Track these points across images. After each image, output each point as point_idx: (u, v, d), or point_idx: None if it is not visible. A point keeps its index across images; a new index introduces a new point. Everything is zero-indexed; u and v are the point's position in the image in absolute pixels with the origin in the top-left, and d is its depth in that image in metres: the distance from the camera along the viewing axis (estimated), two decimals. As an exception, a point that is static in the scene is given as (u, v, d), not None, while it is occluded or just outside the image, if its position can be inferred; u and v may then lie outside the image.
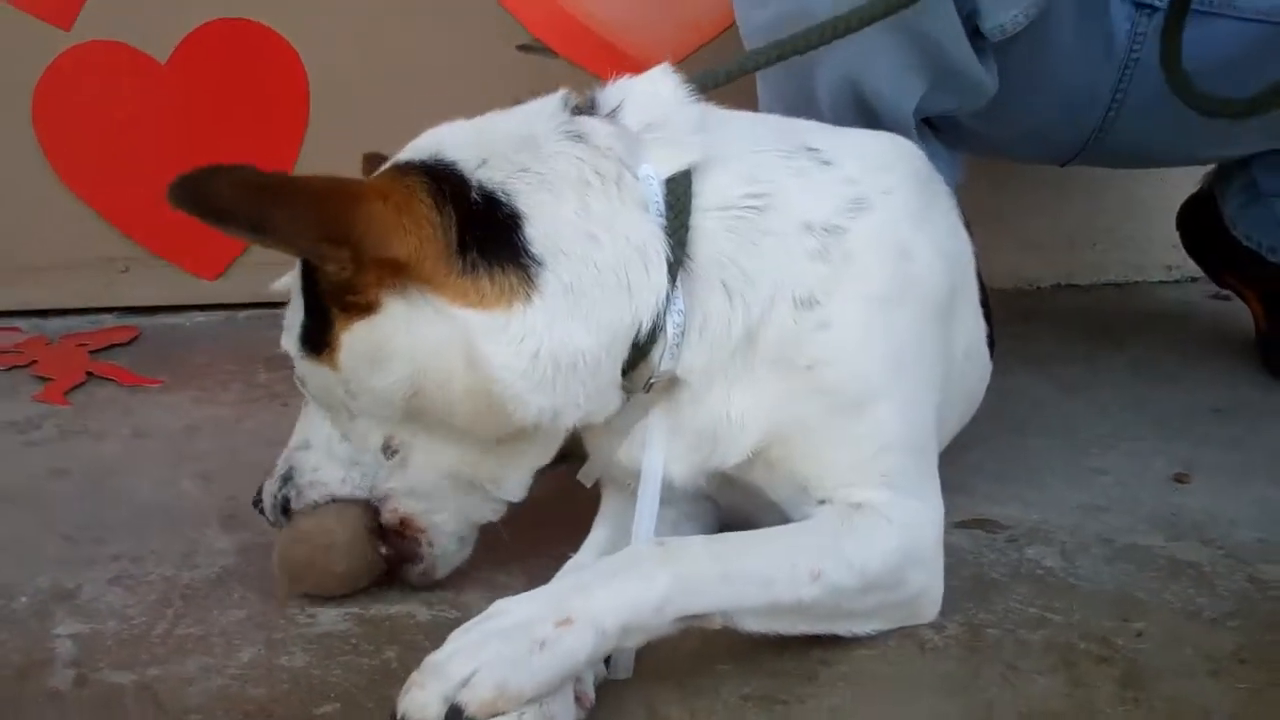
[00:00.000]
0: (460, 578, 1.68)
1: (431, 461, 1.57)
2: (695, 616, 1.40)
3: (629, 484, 1.60)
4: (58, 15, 2.86)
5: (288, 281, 2.45)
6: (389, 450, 1.57)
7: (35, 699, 1.47)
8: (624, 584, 1.37)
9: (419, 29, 2.91)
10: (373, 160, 1.76)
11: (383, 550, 1.62)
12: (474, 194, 1.49)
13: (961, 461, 1.80)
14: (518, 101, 1.63)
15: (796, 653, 1.50)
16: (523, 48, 2.86)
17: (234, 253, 2.97)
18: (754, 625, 1.45)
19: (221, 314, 2.98)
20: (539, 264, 1.47)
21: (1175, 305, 3.00)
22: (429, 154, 1.54)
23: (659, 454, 1.54)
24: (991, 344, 1.89)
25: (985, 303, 1.86)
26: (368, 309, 1.49)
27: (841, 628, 1.51)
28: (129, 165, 2.92)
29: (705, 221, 1.53)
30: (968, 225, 1.83)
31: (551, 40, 2.80)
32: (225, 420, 2.34)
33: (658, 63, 1.63)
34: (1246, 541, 1.79)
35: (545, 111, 1.58)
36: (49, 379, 2.53)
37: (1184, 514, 1.88)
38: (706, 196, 1.54)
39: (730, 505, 1.68)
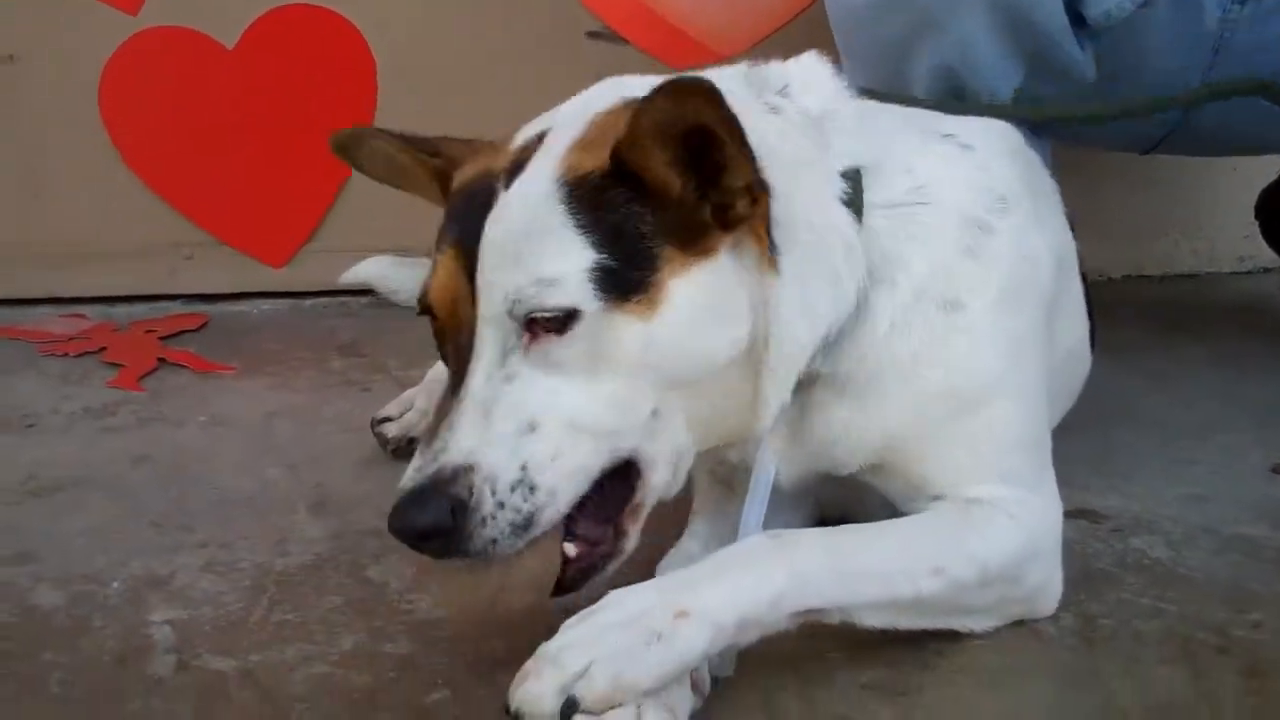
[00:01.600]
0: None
1: (683, 426, 1.42)
2: (812, 611, 1.37)
3: (733, 480, 1.56)
4: (125, 0, 2.85)
5: (364, 270, 2.42)
6: (656, 415, 1.40)
7: (137, 686, 1.45)
8: (740, 578, 1.34)
9: (487, 14, 2.89)
10: None
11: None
12: None
13: (1055, 451, 1.78)
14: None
15: (907, 643, 1.46)
16: (592, 34, 2.83)
17: (301, 239, 2.96)
18: (871, 620, 1.41)
19: (287, 302, 2.96)
20: (775, 249, 1.39)
21: (1251, 297, 2.97)
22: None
23: (773, 456, 1.49)
24: (1093, 340, 1.86)
25: (1089, 299, 1.82)
26: (707, 251, 1.37)
27: (958, 623, 1.47)
28: (195, 151, 2.92)
29: (875, 220, 1.48)
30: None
31: (621, 26, 2.75)
32: (303, 407, 2.32)
33: (729, 50, 1.57)
34: (1355, 532, 1.75)
35: (736, 79, 1.48)
36: (121, 365, 2.52)
37: (1287, 505, 1.84)
38: (875, 192, 1.49)
39: (831, 499, 1.64)
